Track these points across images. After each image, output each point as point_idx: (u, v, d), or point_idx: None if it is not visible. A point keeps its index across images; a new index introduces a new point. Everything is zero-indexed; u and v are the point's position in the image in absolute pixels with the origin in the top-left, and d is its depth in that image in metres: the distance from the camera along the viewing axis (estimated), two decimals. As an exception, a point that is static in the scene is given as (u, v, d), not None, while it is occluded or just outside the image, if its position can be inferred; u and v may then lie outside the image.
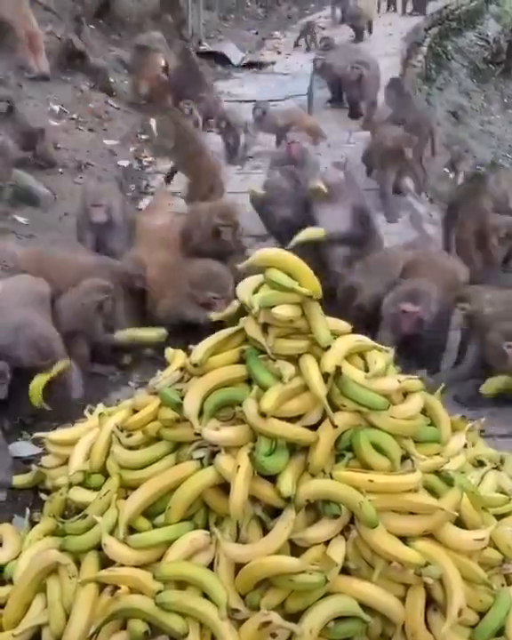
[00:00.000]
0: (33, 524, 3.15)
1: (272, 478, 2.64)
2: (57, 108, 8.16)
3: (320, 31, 12.61)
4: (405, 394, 2.98)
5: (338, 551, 2.60)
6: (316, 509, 2.67)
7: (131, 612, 2.55)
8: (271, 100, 8.69)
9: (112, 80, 9.38)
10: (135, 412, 3.05)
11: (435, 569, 2.57)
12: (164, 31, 11.57)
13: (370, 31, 12.55)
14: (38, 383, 3.84)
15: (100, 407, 3.52)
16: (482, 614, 2.70)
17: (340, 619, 2.55)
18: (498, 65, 15.71)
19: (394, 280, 4.62)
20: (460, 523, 2.77)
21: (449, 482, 2.78)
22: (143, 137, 8.08)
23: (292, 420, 2.71)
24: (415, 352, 4.28)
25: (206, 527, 2.72)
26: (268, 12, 15.31)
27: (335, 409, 2.73)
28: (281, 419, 2.67)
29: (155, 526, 2.75)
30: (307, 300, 2.77)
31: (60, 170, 6.98)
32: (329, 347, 2.76)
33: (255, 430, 2.66)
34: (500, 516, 3.00)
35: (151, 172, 7.70)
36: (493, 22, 17.40)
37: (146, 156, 7.89)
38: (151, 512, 2.78)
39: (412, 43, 13.30)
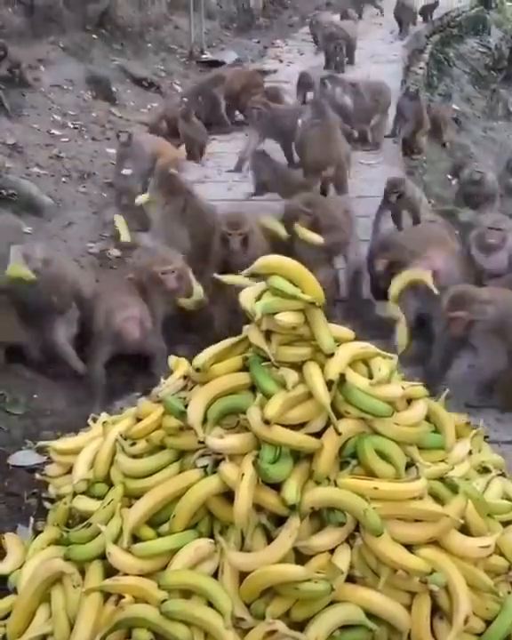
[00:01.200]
0: (37, 533, 3.14)
1: (276, 486, 2.63)
2: (60, 117, 8.21)
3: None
4: (409, 400, 2.97)
5: (343, 559, 2.59)
6: (321, 517, 2.66)
7: (135, 622, 2.54)
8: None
9: (114, 89, 9.43)
10: (139, 420, 3.05)
11: (440, 576, 2.56)
12: (165, 40, 11.68)
13: (350, 60, 11.43)
14: None
15: (104, 416, 3.53)
16: (488, 622, 2.68)
17: (345, 627, 2.54)
18: (499, 71, 15.75)
19: None
20: (465, 530, 2.76)
21: (454, 489, 2.77)
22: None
23: (295, 427, 2.71)
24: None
25: (211, 536, 2.71)
26: (269, 21, 15.37)
27: (339, 416, 2.73)
28: (285, 426, 2.67)
29: (159, 535, 2.74)
30: (309, 307, 2.77)
31: (64, 179, 7.00)
32: (332, 354, 2.76)
33: (259, 438, 2.66)
34: (505, 523, 2.98)
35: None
36: (494, 29, 17.47)
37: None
38: (155, 521, 2.77)
39: (414, 49, 13.36)
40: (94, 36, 10.24)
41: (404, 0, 13.61)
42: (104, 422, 3.32)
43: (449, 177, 8.29)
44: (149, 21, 11.73)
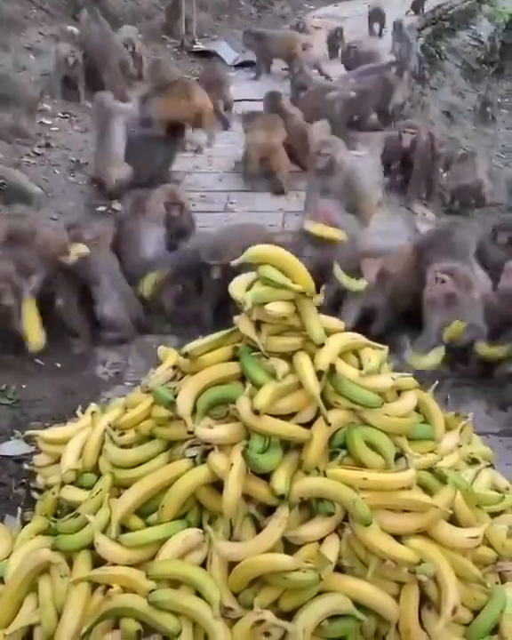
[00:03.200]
0: (25, 523, 3.13)
1: (265, 476, 2.63)
2: (49, 106, 8.15)
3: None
4: (399, 391, 2.97)
5: (331, 549, 2.59)
6: (310, 507, 2.66)
7: (123, 612, 2.54)
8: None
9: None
10: (128, 410, 3.03)
11: (428, 567, 2.56)
12: (156, 31, 11.59)
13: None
14: None
15: (93, 406, 3.51)
16: (476, 612, 2.70)
17: (333, 617, 2.54)
18: (491, 65, 15.76)
19: None
20: (454, 520, 2.76)
21: (443, 479, 2.77)
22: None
23: (285, 417, 2.70)
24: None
25: (199, 525, 2.71)
26: (261, 12, 15.29)
27: (329, 407, 2.72)
28: (274, 416, 2.66)
29: (148, 525, 2.73)
30: (300, 297, 2.76)
31: (54, 168, 6.96)
32: (322, 344, 2.75)
33: (248, 428, 2.65)
34: (494, 514, 3.00)
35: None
36: (487, 22, 17.45)
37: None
38: (144, 511, 2.76)
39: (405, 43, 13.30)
40: (85, 25, 10.14)
41: None
42: (93, 412, 3.32)
43: (440, 170, 8.28)
44: (141, 11, 11.66)
